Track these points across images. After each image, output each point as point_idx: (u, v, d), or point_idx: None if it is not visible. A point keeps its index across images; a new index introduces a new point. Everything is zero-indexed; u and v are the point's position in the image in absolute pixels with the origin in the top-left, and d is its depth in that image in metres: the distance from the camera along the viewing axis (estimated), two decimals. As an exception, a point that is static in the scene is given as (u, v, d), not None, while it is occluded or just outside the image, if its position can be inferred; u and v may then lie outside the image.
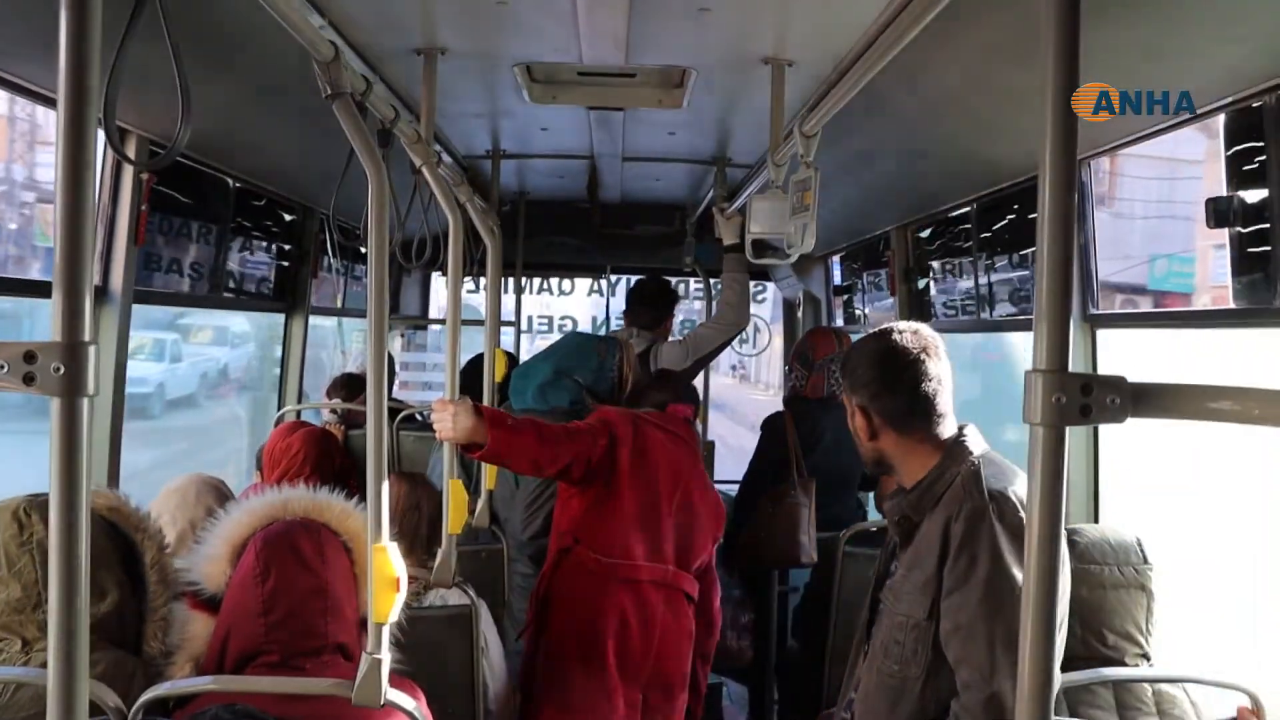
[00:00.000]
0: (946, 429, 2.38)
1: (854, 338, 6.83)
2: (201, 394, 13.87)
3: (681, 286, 7.81)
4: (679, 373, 4.24)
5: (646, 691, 3.56)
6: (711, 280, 6.90)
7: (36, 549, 2.25)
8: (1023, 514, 2.15)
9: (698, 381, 6.09)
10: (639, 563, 3.53)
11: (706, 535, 3.73)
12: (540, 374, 4.01)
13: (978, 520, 2.17)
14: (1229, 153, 2.68)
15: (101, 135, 1.43)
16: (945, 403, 2.40)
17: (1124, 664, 2.63)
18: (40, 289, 3.23)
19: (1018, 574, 2.11)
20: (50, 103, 2.82)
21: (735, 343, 7.82)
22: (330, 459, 4.46)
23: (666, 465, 3.61)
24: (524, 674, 3.61)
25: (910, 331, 2.53)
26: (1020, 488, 2.22)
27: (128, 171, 3.46)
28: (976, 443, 2.35)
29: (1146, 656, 2.68)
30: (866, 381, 2.43)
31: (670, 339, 5.21)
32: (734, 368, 22.44)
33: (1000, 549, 2.13)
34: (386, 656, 2.25)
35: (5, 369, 1.25)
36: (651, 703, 3.58)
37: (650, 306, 5.15)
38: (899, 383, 2.40)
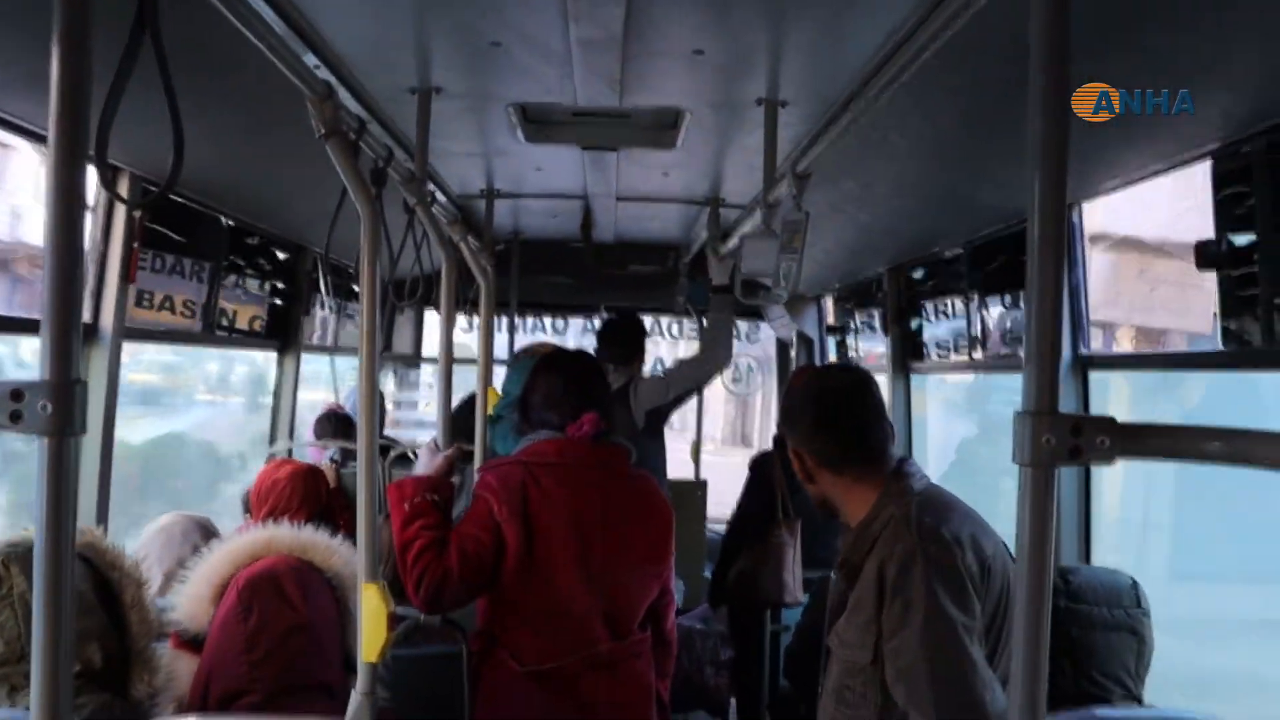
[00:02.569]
0: (883, 465, 2.39)
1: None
2: None
3: (675, 327, 7.82)
4: (577, 368, 3.30)
5: None
6: (704, 321, 6.92)
7: (18, 602, 2.21)
8: (955, 551, 2.17)
9: (691, 407, 6.08)
10: (562, 662, 2.98)
11: (645, 576, 3.16)
12: (510, 422, 3.88)
13: (909, 562, 2.18)
14: (1218, 196, 2.70)
15: (93, 172, 1.42)
16: (880, 440, 2.41)
17: (1112, 705, 2.62)
18: (29, 326, 3.22)
19: (954, 612, 2.13)
20: (41, 139, 2.83)
21: (729, 381, 7.87)
22: (318, 496, 4.44)
23: (570, 525, 2.99)
24: None
25: (840, 370, 2.54)
26: (955, 525, 2.22)
27: (119, 209, 3.47)
28: (916, 479, 2.36)
29: (1137, 699, 2.66)
30: (798, 423, 2.48)
31: (649, 374, 5.22)
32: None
33: (934, 590, 2.13)
34: (375, 696, 2.24)
35: (-9, 407, 1.24)
36: None
37: (621, 343, 5.15)
38: (830, 423, 2.43)
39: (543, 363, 3.34)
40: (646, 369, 5.60)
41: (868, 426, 2.41)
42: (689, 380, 4.98)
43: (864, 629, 2.24)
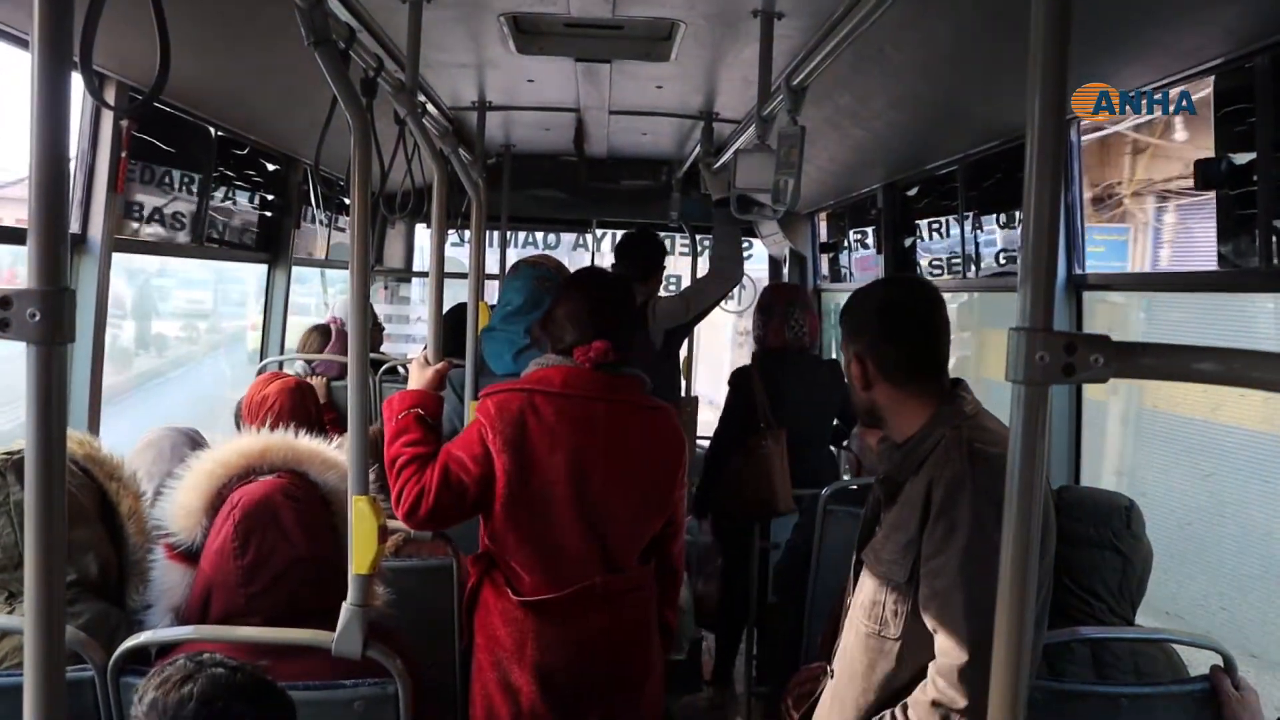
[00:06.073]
0: (940, 385, 2.36)
1: (823, 294, 6.88)
2: None
3: (667, 242, 7.79)
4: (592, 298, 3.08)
5: (604, 699, 3.05)
6: (697, 236, 6.91)
7: (14, 510, 2.22)
8: (1004, 479, 2.15)
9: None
10: (557, 594, 2.95)
11: (647, 511, 3.08)
12: (511, 339, 3.79)
13: (959, 486, 2.16)
14: (1219, 114, 2.67)
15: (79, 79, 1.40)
16: (942, 358, 2.38)
17: (1096, 620, 2.64)
18: (16, 236, 3.19)
19: (997, 540, 2.11)
20: (24, 44, 2.78)
21: (723, 300, 7.85)
22: (307, 411, 4.44)
23: (568, 458, 2.91)
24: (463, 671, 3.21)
25: (912, 283, 2.50)
26: (1005, 453, 2.20)
27: (107, 118, 3.42)
28: (968, 402, 2.33)
29: (1125, 620, 2.68)
30: (866, 329, 2.40)
31: (663, 293, 5.19)
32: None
33: (981, 516, 2.11)
34: (366, 608, 2.26)
35: (-20, 314, 1.24)
36: (616, 706, 3.09)
37: (641, 259, 5.09)
38: (898, 333, 2.37)
39: (573, 279, 3.29)
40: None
41: (933, 342, 2.38)
42: (707, 298, 4.93)
43: (904, 548, 2.23)
